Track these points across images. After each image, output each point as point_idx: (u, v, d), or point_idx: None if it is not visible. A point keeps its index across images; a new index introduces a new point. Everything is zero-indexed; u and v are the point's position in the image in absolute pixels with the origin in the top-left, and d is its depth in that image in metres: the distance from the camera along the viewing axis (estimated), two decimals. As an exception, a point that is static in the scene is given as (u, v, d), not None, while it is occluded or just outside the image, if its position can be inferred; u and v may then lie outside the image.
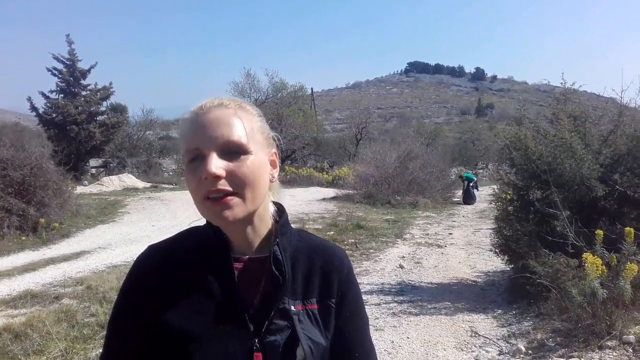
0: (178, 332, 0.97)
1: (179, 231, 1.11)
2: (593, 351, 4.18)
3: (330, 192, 20.22)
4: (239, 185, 0.94)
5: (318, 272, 1.08)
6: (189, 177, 0.96)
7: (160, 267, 1.03)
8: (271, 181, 1.05)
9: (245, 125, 0.99)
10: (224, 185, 0.93)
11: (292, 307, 1.02)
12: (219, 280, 1.00)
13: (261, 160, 1.00)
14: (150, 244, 1.11)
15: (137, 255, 1.08)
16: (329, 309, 1.07)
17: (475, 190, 20.35)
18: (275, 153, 1.07)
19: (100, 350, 3.73)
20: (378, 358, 1.19)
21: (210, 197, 0.93)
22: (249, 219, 1.01)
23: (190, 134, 0.97)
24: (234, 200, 0.94)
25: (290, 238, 1.09)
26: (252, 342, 0.97)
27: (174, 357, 0.97)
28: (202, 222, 1.06)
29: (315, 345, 1.01)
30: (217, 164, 0.92)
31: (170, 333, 0.98)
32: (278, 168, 1.08)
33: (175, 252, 1.05)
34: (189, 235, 1.09)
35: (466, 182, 20.64)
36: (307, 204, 16.44)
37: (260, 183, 0.98)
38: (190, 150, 0.96)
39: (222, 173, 0.93)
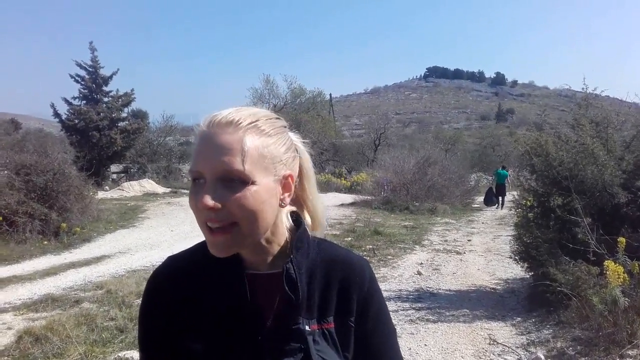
0: (189, 351, 0.97)
1: (200, 241, 1.07)
2: (614, 360, 4.11)
3: (349, 197, 20.21)
4: (238, 217, 0.89)
5: (336, 288, 1.03)
6: (190, 198, 0.93)
7: (175, 283, 1.02)
8: (281, 206, 0.97)
9: (251, 151, 0.90)
10: (220, 217, 0.89)
11: (307, 327, 0.97)
12: (232, 298, 0.97)
13: (266, 188, 0.92)
14: (170, 250, 1.10)
15: (155, 268, 1.07)
16: (348, 328, 1.02)
17: (499, 197, 19.83)
18: (290, 176, 0.98)
19: (120, 354, 3.78)
20: None
21: (208, 225, 0.90)
22: (254, 244, 0.96)
23: (195, 154, 0.93)
24: (232, 233, 0.90)
25: (308, 251, 1.03)
26: None
27: None
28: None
29: None
30: (213, 196, 0.88)
31: (182, 352, 0.98)
32: (293, 191, 1.00)
33: (192, 266, 1.03)
34: (206, 248, 1.04)
35: (494, 180, 20.40)
36: (325, 209, 16.44)
37: (263, 214, 0.92)
38: (192, 173, 0.93)
39: (218, 205, 0.88)
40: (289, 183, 0.98)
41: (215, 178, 0.89)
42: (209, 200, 0.87)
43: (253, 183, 0.90)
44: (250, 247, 0.96)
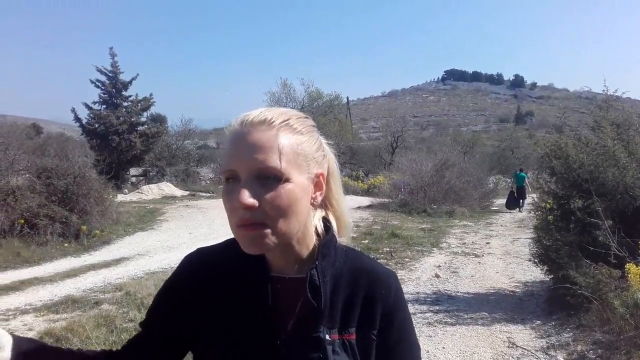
0: (206, 346, 0.98)
1: (229, 238, 1.07)
2: (636, 365, 4.04)
3: (366, 200, 20.15)
4: (273, 215, 0.89)
5: (360, 300, 1.01)
6: (224, 198, 0.92)
7: (201, 275, 1.03)
8: (312, 205, 0.97)
9: (286, 149, 0.91)
10: (256, 216, 0.88)
11: (327, 336, 0.96)
12: (254, 300, 0.97)
13: (301, 186, 0.92)
14: (190, 251, 1.11)
15: (185, 255, 1.09)
16: (370, 341, 1.00)
17: (520, 200, 19.65)
18: (321, 174, 0.98)
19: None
20: None
21: (242, 225, 0.89)
22: (285, 244, 0.95)
23: (228, 153, 0.92)
24: (265, 232, 0.89)
25: (335, 258, 1.01)
26: None
27: None
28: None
29: None
30: (250, 193, 0.87)
31: (198, 346, 1.00)
32: (324, 189, 1.00)
33: (219, 262, 1.04)
34: (235, 245, 1.03)
35: (514, 183, 20.28)
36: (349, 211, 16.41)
37: (296, 212, 0.91)
38: (226, 172, 0.92)
39: (255, 204, 0.87)
40: (321, 182, 0.98)
41: (251, 176, 0.88)
42: (247, 199, 0.87)
43: (288, 180, 0.90)
44: (281, 247, 0.94)
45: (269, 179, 0.88)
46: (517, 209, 19.38)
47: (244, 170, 0.89)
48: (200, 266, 1.05)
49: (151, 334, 1.06)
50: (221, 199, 0.94)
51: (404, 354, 1.05)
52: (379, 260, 1.12)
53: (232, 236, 1.05)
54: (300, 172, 0.92)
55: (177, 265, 1.10)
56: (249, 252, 0.91)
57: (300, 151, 0.93)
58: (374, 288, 1.02)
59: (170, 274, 1.09)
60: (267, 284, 0.97)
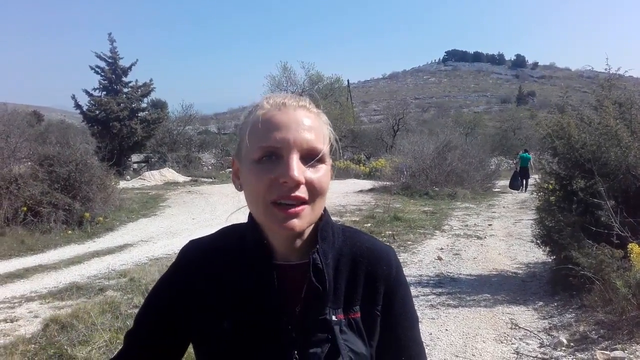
0: (212, 337, 0.98)
1: (220, 228, 1.08)
2: (638, 344, 4.05)
3: (368, 184, 20.16)
4: (315, 195, 0.91)
5: (363, 278, 1.02)
6: (257, 176, 0.90)
7: (198, 266, 1.02)
8: None
9: (326, 134, 0.97)
10: (302, 193, 0.89)
11: (334, 317, 0.97)
12: (259, 287, 0.97)
13: (329, 171, 0.97)
14: (191, 238, 1.09)
15: (180, 249, 1.08)
16: (374, 317, 1.02)
17: (523, 180, 19.71)
18: (331, 164, 1.01)
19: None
20: None
21: (280, 203, 0.89)
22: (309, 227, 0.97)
23: (268, 130, 0.91)
24: (305, 209, 0.90)
25: (334, 240, 1.02)
26: (292, 354, 0.95)
27: None
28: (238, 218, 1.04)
29: (357, 356, 0.97)
30: (300, 170, 0.89)
31: (204, 337, 0.99)
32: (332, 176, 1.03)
33: (216, 252, 1.03)
34: (230, 234, 1.06)
35: (518, 164, 20.31)
36: (344, 196, 16.43)
37: (326, 194, 0.95)
38: (265, 148, 0.90)
39: (303, 180, 0.89)
40: (331, 170, 1.01)
41: (299, 154, 0.90)
42: (298, 174, 0.88)
43: (325, 163, 0.95)
44: (294, 234, 0.95)
45: (313, 159, 0.92)
46: (520, 189, 19.44)
47: (292, 147, 0.90)
48: (199, 258, 1.04)
49: (150, 335, 1.05)
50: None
51: (406, 330, 1.06)
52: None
53: (225, 225, 1.08)
54: (328, 159, 0.97)
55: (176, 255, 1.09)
56: (281, 231, 0.91)
57: (332, 140, 1.00)
58: (376, 266, 1.04)
59: (169, 265, 1.08)
60: (272, 271, 0.96)
